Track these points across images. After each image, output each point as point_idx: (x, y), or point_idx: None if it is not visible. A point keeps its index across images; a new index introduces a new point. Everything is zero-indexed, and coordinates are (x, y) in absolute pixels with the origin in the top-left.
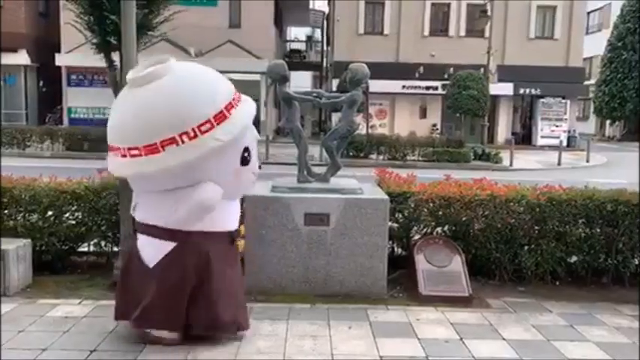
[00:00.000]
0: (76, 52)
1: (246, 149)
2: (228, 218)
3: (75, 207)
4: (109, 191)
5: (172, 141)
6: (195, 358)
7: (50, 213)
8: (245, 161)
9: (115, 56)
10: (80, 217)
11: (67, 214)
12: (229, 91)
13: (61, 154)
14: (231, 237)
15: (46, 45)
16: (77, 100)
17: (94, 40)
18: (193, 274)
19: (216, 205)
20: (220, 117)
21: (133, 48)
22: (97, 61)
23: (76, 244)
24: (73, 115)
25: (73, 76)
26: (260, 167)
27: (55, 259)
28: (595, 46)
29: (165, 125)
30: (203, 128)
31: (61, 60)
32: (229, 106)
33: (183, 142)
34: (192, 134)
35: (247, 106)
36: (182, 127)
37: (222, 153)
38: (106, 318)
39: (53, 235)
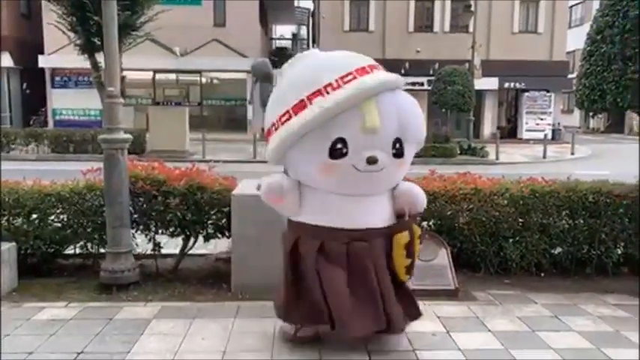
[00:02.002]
0: (59, 53)
1: (340, 140)
2: (329, 214)
3: (60, 209)
4: (94, 193)
5: (318, 93)
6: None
7: (35, 216)
8: (337, 153)
9: (100, 57)
10: (65, 219)
11: (52, 217)
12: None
13: (47, 156)
14: (347, 236)
15: (29, 47)
16: (62, 101)
17: (78, 41)
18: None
19: (288, 195)
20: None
21: (115, 49)
22: (82, 62)
23: (61, 247)
24: (58, 117)
25: (58, 78)
26: (375, 161)
27: (41, 262)
28: (578, 39)
29: (313, 81)
30: (346, 79)
31: (45, 61)
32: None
33: (328, 92)
34: (335, 85)
35: (358, 84)
36: (327, 79)
37: (306, 137)
38: (93, 320)
39: (38, 238)
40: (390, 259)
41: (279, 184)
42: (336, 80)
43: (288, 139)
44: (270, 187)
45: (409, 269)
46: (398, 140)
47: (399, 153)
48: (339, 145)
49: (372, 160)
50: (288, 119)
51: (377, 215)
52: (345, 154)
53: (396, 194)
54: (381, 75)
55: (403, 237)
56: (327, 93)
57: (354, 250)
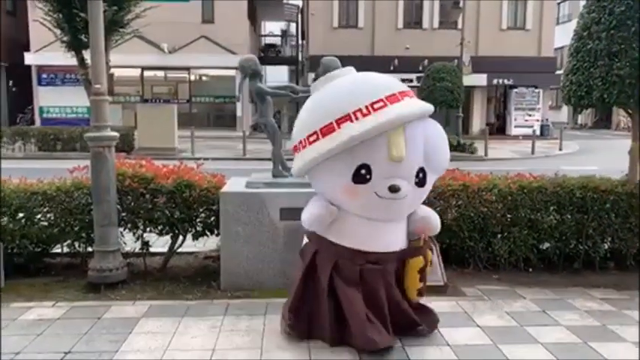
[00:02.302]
0: (46, 50)
1: (364, 166)
2: (353, 237)
3: (47, 208)
4: (81, 191)
5: (347, 118)
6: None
7: (21, 215)
8: (360, 178)
9: (87, 54)
10: (52, 218)
11: (39, 216)
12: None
13: (34, 154)
14: (363, 257)
15: (14, 44)
16: (49, 99)
17: (64, 38)
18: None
19: (324, 223)
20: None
21: (101, 45)
22: (69, 59)
23: (49, 246)
24: (45, 115)
25: (44, 75)
26: (397, 190)
27: (28, 262)
28: (566, 36)
29: (343, 104)
30: (376, 106)
31: (31, 59)
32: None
33: (357, 118)
34: (365, 111)
35: (387, 112)
36: (357, 104)
37: (333, 159)
38: (81, 319)
39: (25, 238)
40: (401, 279)
41: (321, 217)
42: (367, 107)
43: (314, 161)
44: (313, 221)
45: (420, 293)
46: (422, 170)
47: (421, 182)
48: (362, 171)
49: (394, 189)
50: (315, 140)
51: (393, 240)
52: (369, 180)
53: (413, 218)
54: (412, 104)
55: (418, 262)
56: (357, 119)
57: (367, 271)
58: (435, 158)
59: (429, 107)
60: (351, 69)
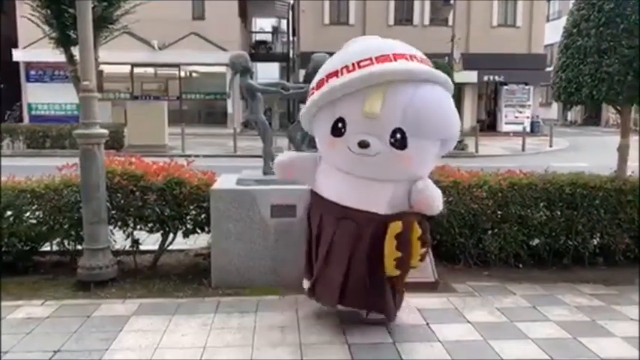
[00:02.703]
0: (34, 47)
1: (341, 120)
2: (332, 189)
3: (35, 206)
4: (70, 189)
5: (334, 74)
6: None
7: (9, 213)
8: (337, 131)
9: (76, 50)
10: (41, 216)
11: (28, 214)
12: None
13: (22, 152)
14: (341, 212)
15: (2, 40)
16: (38, 96)
17: (53, 35)
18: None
19: (294, 168)
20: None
21: (90, 41)
22: (57, 55)
23: (38, 244)
24: (33, 112)
25: (33, 72)
26: (366, 145)
27: (17, 260)
28: (556, 33)
29: (337, 62)
30: (362, 64)
31: (19, 55)
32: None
33: (342, 73)
34: (350, 68)
35: (368, 70)
36: (346, 62)
37: (320, 111)
38: (70, 318)
39: (13, 236)
40: (379, 248)
41: (279, 162)
42: (353, 64)
43: (307, 111)
44: (276, 166)
45: (399, 264)
46: (399, 130)
47: (399, 144)
48: (339, 125)
49: (362, 145)
50: (312, 94)
51: (373, 200)
52: (343, 133)
53: (413, 190)
54: (401, 64)
55: (396, 226)
56: (342, 74)
57: (341, 226)
58: (422, 123)
59: (421, 69)
60: (374, 36)
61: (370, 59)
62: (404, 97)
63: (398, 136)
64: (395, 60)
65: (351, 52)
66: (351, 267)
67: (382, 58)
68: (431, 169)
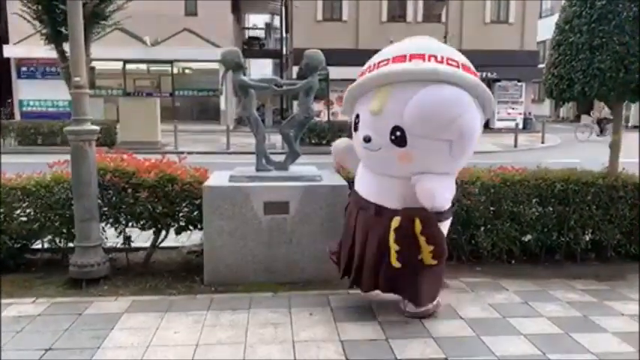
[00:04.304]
0: (25, 43)
1: (357, 116)
2: (359, 182)
3: (26, 203)
4: (62, 186)
5: (360, 74)
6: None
7: (0, 210)
8: (355, 126)
9: (67, 47)
10: (32, 213)
11: (18, 211)
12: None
13: (13, 149)
14: (361, 203)
15: None
16: (29, 92)
17: (44, 31)
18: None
19: (348, 154)
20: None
21: (80, 37)
22: (49, 52)
23: (29, 242)
24: (25, 109)
25: (24, 68)
26: (368, 140)
27: (7, 258)
28: (548, 29)
29: (366, 64)
30: (381, 64)
31: (10, 51)
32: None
33: (364, 74)
34: (372, 68)
35: (380, 70)
36: (370, 63)
37: (350, 105)
38: (62, 316)
39: (4, 233)
40: (387, 240)
41: (336, 146)
42: (375, 64)
43: (344, 105)
44: (333, 150)
45: (400, 258)
46: (398, 128)
47: (398, 141)
48: (356, 120)
49: (365, 139)
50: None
51: (385, 194)
52: (357, 128)
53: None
54: (401, 66)
55: (395, 221)
56: (363, 75)
57: (361, 216)
58: (418, 122)
59: (422, 70)
60: (419, 37)
61: (387, 60)
62: (406, 97)
63: (398, 133)
64: (409, 60)
65: (384, 52)
66: (366, 254)
67: (398, 59)
68: (448, 169)
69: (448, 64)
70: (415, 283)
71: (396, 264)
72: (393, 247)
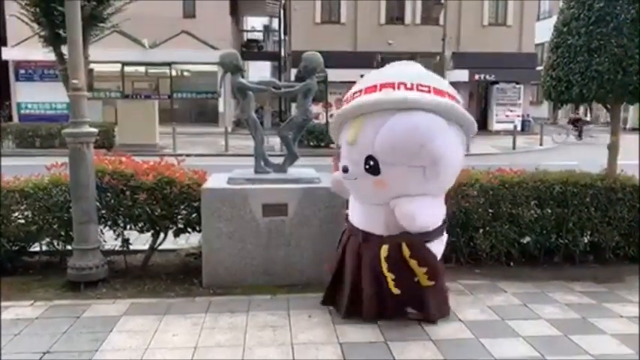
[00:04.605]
0: (23, 45)
1: (339, 146)
2: (351, 211)
3: (24, 206)
4: (60, 188)
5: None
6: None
7: None
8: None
9: (66, 49)
10: (30, 216)
11: (16, 214)
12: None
13: (12, 151)
14: (352, 230)
15: None
16: (27, 95)
17: (42, 33)
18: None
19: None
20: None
21: (78, 39)
22: (47, 54)
23: (27, 244)
24: (23, 111)
25: (22, 71)
26: (346, 170)
27: (5, 261)
28: (546, 32)
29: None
30: (355, 95)
31: (8, 54)
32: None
33: (341, 105)
34: (349, 99)
35: (353, 102)
36: (347, 94)
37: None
38: (60, 318)
39: (2, 236)
40: (379, 267)
41: (334, 178)
42: (351, 95)
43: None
44: (332, 182)
45: (397, 284)
46: (371, 158)
47: (372, 170)
48: (340, 149)
49: (343, 169)
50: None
51: (374, 223)
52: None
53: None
54: (368, 97)
55: (383, 250)
56: (341, 106)
57: (350, 242)
58: (388, 150)
59: (388, 100)
60: (405, 63)
61: (361, 91)
62: (377, 126)
63: (371, 162)
64: (380, 90)
65: (360, 81)
66: (362, 283)
67: (369, 89)
68: (426, 190)
69: (418, 89)
70: (421, 303)
71: (395, 290)
72: (389, 276)
